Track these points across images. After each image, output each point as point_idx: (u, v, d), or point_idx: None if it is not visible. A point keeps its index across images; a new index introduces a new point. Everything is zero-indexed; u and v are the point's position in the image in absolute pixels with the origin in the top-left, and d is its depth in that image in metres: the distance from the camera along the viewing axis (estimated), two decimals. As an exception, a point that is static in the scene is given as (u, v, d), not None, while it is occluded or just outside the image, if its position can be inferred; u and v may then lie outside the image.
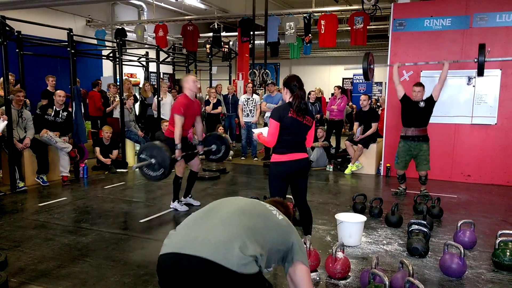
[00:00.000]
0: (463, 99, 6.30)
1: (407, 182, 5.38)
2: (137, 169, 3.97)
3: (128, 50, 9.17)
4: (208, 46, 10.85)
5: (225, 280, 1.31)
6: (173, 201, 4.59)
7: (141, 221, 4.17)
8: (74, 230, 3.87)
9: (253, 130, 5.90)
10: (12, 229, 3.86)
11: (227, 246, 1.34)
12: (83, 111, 6.67)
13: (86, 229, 3.89)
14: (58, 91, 5.98)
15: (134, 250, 3.39)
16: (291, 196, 3.31)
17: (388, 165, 6.67)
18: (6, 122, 5.03)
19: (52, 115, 5.85)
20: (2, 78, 5.35)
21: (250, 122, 7.81)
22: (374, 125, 6.70)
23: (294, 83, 3.03)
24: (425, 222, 3.41)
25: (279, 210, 1.89)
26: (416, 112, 4.94)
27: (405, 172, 5.26)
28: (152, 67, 9.45)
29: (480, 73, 4.74)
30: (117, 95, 7.48)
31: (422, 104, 4.92)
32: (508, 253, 3.05)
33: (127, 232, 3.85)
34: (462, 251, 2.89)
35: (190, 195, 4.76)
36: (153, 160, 3.86)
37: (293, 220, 3.98)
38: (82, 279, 2.83)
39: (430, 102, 4.93)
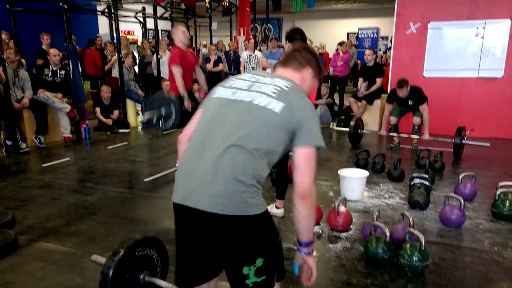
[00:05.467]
0: (470, 52, 6.10)
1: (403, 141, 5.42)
2: (146, 124, 3.69)
3: (124, 5, 8.83)
4: (207, 0, 10.41)
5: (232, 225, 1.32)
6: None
7: (146, 180, 4.20)
8: (79, 189, 3.92)
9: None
10: (18, 189, 3.92)
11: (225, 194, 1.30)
12: (80, 71, 6.52)
13: (91, 188, 3.94)
14: (52, 50, 5.81)
15: (140, 208, 3.45)
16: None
17: (391, 120, 6.61)
18: None
19: (49, 75, 5.74)
20: (-5, 37, 5.19)
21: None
22: (378, 80, 6.56)
23: (297, 37, 2.94)
24: (427, 176, 3.42)
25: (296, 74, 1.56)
26: (406, 105, 5.20)
27: (398, 123, 5.39)
28: (150, 23, 9.13)
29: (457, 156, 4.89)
30: (115, 53, 7.29)
31: (410, 102, 5.10)
32: (507, 204, 3.09)
33: (132, 190, 3.91)
34: (462, 202, 2.92)
35: None
36: (162, 111, 3.57)
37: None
38: (90, 235, 2.90)
39: (417, 100, 5.04)
